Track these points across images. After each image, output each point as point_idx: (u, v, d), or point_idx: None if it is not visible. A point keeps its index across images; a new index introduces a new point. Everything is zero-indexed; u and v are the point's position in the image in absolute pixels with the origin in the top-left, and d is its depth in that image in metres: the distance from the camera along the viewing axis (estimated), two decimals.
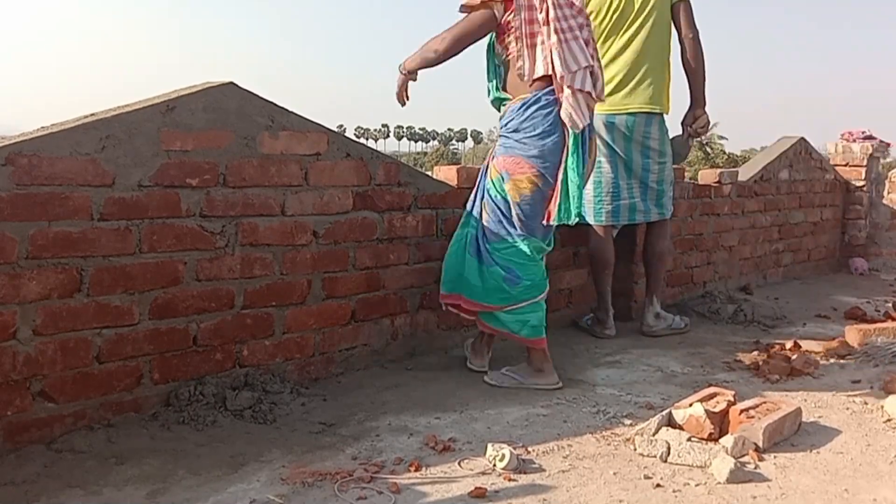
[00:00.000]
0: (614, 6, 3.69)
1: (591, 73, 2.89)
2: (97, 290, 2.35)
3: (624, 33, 3.70)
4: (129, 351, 2.44)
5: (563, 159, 2.88)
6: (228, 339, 2.68)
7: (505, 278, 2.95)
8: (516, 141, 2.92)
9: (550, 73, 2.84)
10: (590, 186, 3.78)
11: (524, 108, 2.90)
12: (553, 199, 2.90)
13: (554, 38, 2.81)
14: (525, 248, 2.95)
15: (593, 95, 2.90)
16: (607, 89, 3.69)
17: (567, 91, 2.83)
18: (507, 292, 2.96)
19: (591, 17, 3.69)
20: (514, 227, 2.94)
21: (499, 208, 2.96)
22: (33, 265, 2.22)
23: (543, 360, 3.02)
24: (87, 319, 2.34)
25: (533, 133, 2.88)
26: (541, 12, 2.84)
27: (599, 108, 3.71)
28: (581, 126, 2.85)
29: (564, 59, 2.81)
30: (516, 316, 2.99)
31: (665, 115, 3.82)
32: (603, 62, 3.69)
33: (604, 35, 3.72)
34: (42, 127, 2.43)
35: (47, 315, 2.25)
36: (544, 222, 2.93)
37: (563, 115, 2.84)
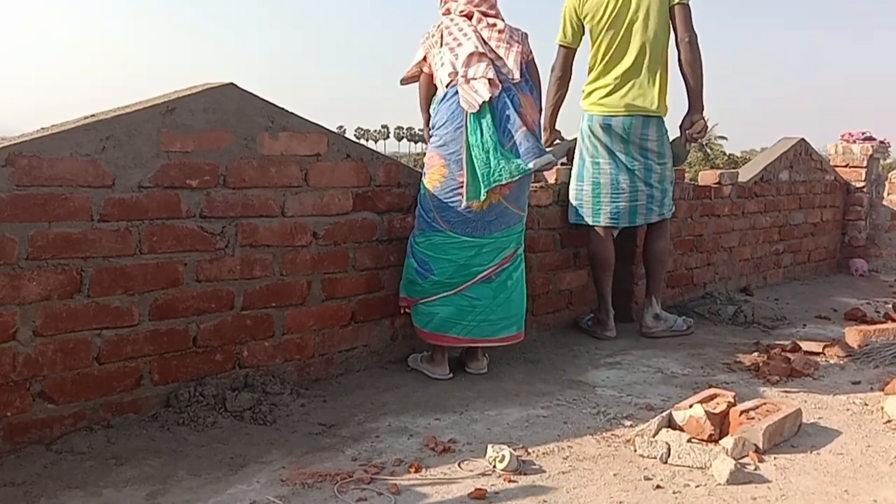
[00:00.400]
0: (610, 8, 3.68)
1: (484, 58, 3.03)
2: (97, 290, 2.35)
3: (621, 35, 3.70)
4: (129, 352, 2.44)
5: (464, 140, 3.00)
6: (228, 340, 2.68)
7: (417, 271, 3.05)
8: (430, 137, 3.15)
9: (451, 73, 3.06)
10: (588, 187, 3.80)
11: (435, 105, 3.17)
12: (463, 183, 3.00)
13: (446, 49, 3.09)
14: (439, 241, 3.03)
15: (489, 76, 3.00)
16: (604, 91, 3.72)
17: (460, 80, 3.02)
18: (420, 285, 3.05)
19: (588, 19, 3.72)
20: (433, 221, 3.05)
21: (421, 204, 3.11)
22: (33, 266, 2.22)
23: (438, 352, 3.11)
24: (86, 320, 2.34)
25: (439, 125, 3.09)
26: (438, 44, 3.14)
27: (597, 110, 3.74)
28: (476, 106, 2.96)
29: (454, 60, 3.05)
30: (427, 308, 3.07)
31: (664, 118, 3.82)
32: (601, 64, 3.73)
33: (600, 37, 3.73)
34: (42, 128, 2.43)
35: (47, 316, 2.25)
36: (459, 207, 3.00)
37: (461, 102, 3.00)
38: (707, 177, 5.01)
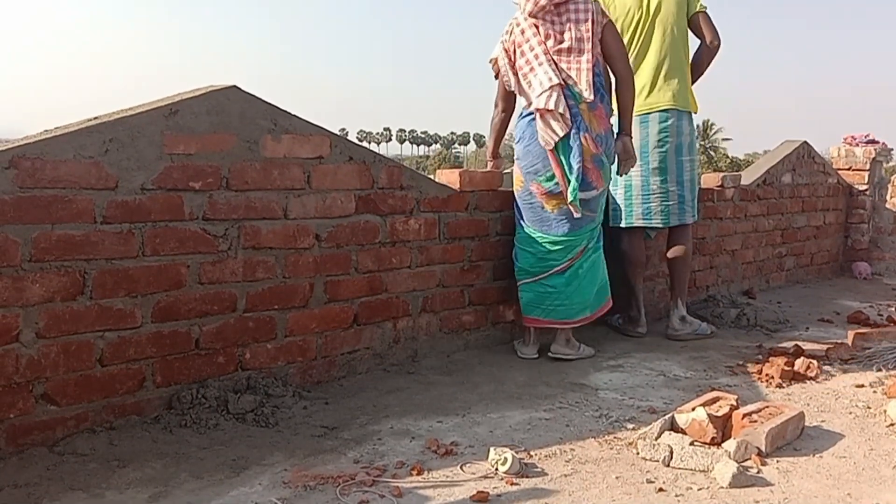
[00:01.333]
0: (636, 6, 3.76)
1: (556, 90, 3.27)
2: (100, 292, 2.36)
3: (646, 34, 3.77)
4: (132, 354, 2.44)
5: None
6: (231, 342, 2.68)
7: (513, 259, 3.54)
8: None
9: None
10: (621, 190, 3.86)
11: (517, 118, 3.54)
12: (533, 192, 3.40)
13: (519, 75, 3.40)
14: (523, 236, 3.47)
15: (560, 110, 3.27)
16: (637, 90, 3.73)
17: (535, 114, 3.34)
18: (516, 270, 3.52)
19: (618, 21, 3.76)
20: (520, 219, 3.50)
21: (514, 202, 3.54)
22: (36, 268, 2.22)
23: (527, 334, 3.52)
24: (89, 322, 2.34)
25: (517, 139, 3.48)
26: (511, 51, 3.42)
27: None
28: (552, 143, 3.29)
29: (528, 90, 3.36)
30: (519, 291, 3.51)
31: (693, 115, 3.90)
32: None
33: (629, 36, 3.78)
34: (45, 130, 2.43)
35: (50, 318, 2.26)
36: (533, 209, 3.42)
37: (538, 139, 3.33)
38: (710, 179, 5.01)
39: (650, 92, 3.79)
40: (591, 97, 3.28)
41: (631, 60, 3.72)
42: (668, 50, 3.79)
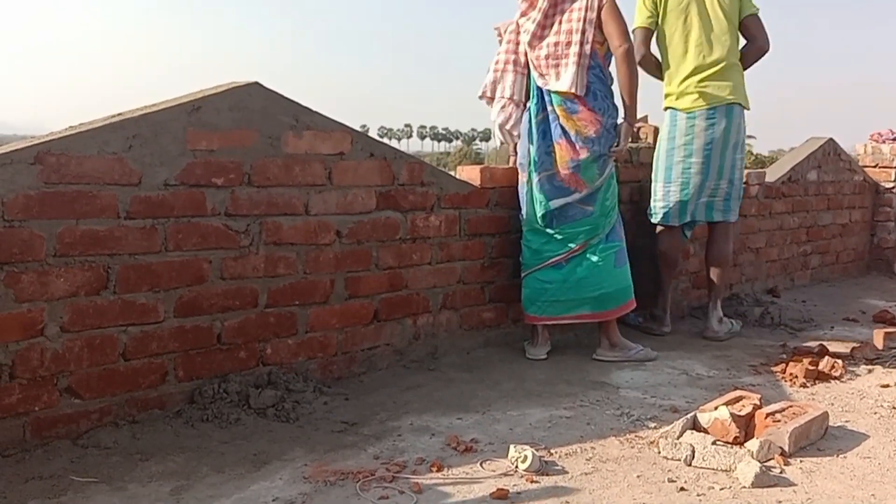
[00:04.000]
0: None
1: (510, 104, 3.45)
2: (123, 287, 2.38)
3: (701, 27, 3.72)
4: (155, 348, 2.46)
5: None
6: (252, 337, 2.70)
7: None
8: None
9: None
10: (676, 188, 3.79)
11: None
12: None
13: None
14: (525, 230, 3.46)
15: (507, 127, 3.48)
16: (693, 85, 3.69)
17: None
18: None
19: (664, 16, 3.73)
20: (522, 213, 3.47)
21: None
22: (61, 263, 2.25)
23: (534, 333, 3.48)
24: (113, 317, 2.36)
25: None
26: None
27: (689, 105, 3.71)
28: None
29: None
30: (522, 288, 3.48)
31: (746, 111, 3.84)
32: (688, 59, 3.72)
33: (685, 29, 3.72)
34: (70, 126, 2.46)
35: (74, 312, 2.28)
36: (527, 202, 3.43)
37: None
38: None
39: (708, 86, 3.71)
40: (578, 90, 3.24)
41: (690, 52, 3.69)
42: (732, 45, 3.75)
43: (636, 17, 3.80)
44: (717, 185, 3.79)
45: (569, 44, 3.27)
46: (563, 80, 3.27)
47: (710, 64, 3.71)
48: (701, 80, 3.70)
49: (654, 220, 3.89)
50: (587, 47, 3.26)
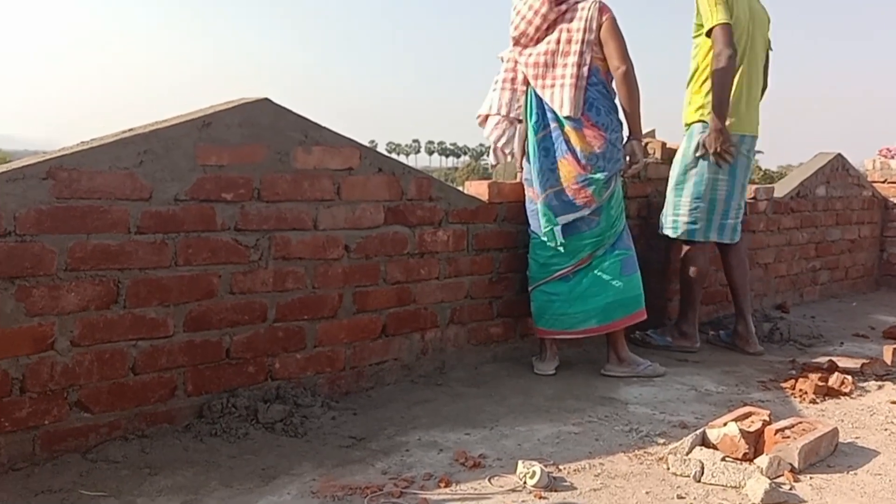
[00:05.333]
0: (747, 18, 3.72)
1: (503, 123, 3.55)
2: (133, 302, 2.39)
3: (747, 49, 3.74)
4: (164, 363, 2.47)
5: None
6: (261, 352, 2.70)
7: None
8: None
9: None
10: (705, 204, 3.78)
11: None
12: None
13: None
14: (533, 243, 3.47)
15: (499, 144, 3.58)
16: (733, 106, 3.68)
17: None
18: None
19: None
20: (528, 227, 3.52)
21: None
22: (72, 277, 2.26)
23: (542, 348, 3.49)
24: (123, 331, 2.37)
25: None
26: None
27: (734, 129, 3.71)
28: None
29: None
30: (531, 301, 3.50)
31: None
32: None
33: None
34: (82, 142, 2.48)
35: (85, 326, 2.29)
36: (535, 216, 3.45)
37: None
38: None
39: (745, 110, 3.76)
40: (573, 113, 3.25)
41: (741, 69, 3.69)
42: (761, 75, 3.86)
43: (715, 14, 3.52)
44: (739, 204, 3.84)
45: (565, 65, 3.27)
46: (565, 106, 3.26)
47: (757, 93, 3.83)
48: (749, 106, 3.77)
49: (672, 234, 3.85)
50: (585, 69, 3.26)
